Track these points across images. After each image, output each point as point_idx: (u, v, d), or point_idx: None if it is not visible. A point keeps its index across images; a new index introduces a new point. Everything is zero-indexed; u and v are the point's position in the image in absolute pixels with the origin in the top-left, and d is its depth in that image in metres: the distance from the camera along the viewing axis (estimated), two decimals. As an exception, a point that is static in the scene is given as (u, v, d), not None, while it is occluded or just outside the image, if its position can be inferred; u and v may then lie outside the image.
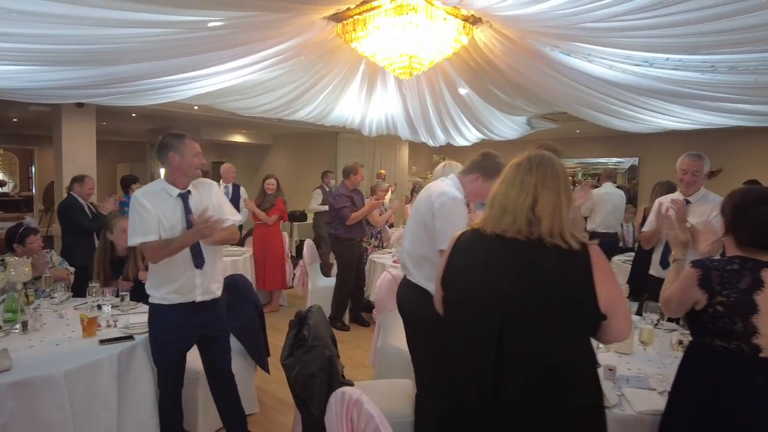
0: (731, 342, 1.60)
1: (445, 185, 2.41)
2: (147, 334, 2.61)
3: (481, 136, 7.17)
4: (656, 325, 2.77)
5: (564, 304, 1.35)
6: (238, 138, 10.78)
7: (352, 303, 5.28)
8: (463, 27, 3.62)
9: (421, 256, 2.41)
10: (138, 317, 2.88)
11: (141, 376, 2.53)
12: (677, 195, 3.33)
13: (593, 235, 5.86)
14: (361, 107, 5.75)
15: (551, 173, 1.45)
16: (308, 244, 5.43)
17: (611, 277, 1.39)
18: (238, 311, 3.15)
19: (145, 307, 3.09)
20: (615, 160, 9.94)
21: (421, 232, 2.41)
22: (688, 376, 1.72)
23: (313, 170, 10.05)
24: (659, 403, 1.84)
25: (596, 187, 6.38)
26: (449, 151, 9.92)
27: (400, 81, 4.82)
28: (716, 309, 1.61)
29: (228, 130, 10.34)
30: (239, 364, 3.17)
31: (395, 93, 5.31)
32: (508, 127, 6.88)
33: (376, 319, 3.51)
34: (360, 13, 3.54)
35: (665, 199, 3.32)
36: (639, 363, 2.28)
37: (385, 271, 3.55)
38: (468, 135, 7.00)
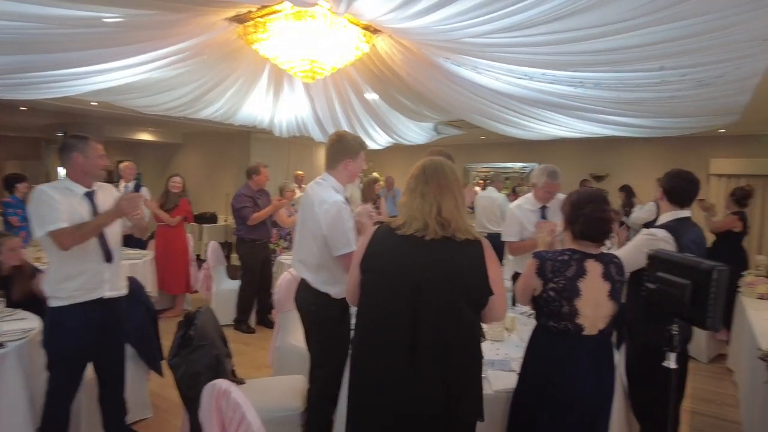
0: (560, 322, 1.85)
1: (322, 190, 2.43)
2: (21, 342, 2.48)
3: (392, 141, 7.38)
4: (530, 315, 3.05)
5: (469, 282, 1.63)
6: (146, 136, 10.27)
7: (259, 305, 5.25)
8: (364, 35, 3.77)
9: (317, 264, 2.43)
10: (11, 324, 2.71)
11: (12, 385, 2.39)
12: (531, 202, 3.52)
13: None
14: (269, 108, 5.74)
15: (445, 181, 1.69)
16: (212, 247, 5.32)
17: (496, 262, 1.71)
18: (130, 314, 3.07)
19: (24, 313, 2.94)
20: (519, 165, 10.61)
21: (311, 242, 2.42)
22: (531, 354, 1.96)
23: (226, 170, 9.81)
24: (515, 382, 2.06)
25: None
26: (364, 154, 10.07)
27: (307, 84, 4.89)
28: (549, 294, 1.85)
29: (134, 127, 9.83)
30: (131, 368, 3.08)
31: (303, 95, 5.36)
32: (416, 133, 7.15)
33: (276, 318, 3.54)
34: (261, 16, 3.57)
35: (520, 201, 3.61)
36: (507, 349, 2.52)
37: (285, 272, 3.60)
38: (378, 139, 7.19)
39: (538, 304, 1.94)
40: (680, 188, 2.50)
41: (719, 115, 5.24)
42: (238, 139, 9.44)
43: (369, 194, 5.57)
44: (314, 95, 5.31)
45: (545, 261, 1.89)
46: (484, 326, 2.72)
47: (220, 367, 2.35)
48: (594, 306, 1.83)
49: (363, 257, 1.75)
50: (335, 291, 2.41)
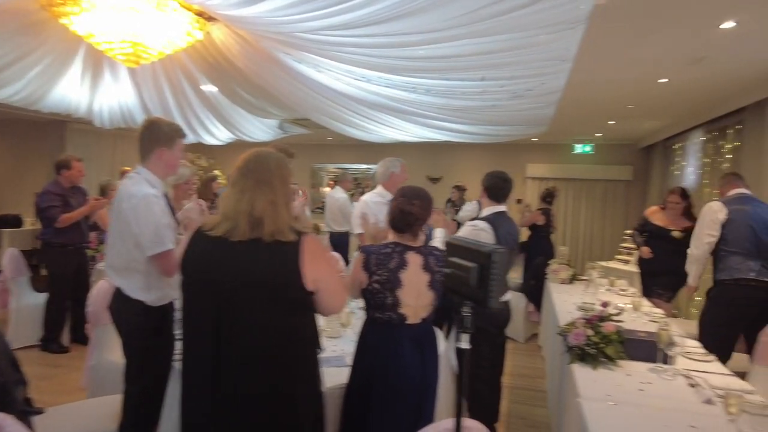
0: (385, 313, 1.93)
1: (133, 184, 2.18)
2: None
3: (233, 137, 7.05)
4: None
5: (279, 286, 1.52)
6: None
7: (72, 320, 4.56)
8: (197, 21, 3.50)
9: (128, 267, 2.17)
10: None
11: None
12: (382, 194, 3.57)
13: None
14: (86, 93, 5.04)
15: (267, 175, 1.57)
16: (10, 254, 4.48)
17: (319, 259, 1.59)
18: None
19: None
20: (364, 166, 10.94)
21: (120, 243, 2.17)
22: (360, 346, 2.01)
23: (35, 166, 8.41)
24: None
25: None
26: (203, 149, 9.51)
27: (133, 69, 4.40)
28: (374, 286, 1.92)
29: None
30: None
31: (128, 81, 4.82)
32: (260, 130, 6.92)
33: (90, 333, 3.11)
34: (70, -14, 3.11)
35: (370, 195, 3.72)
36: (344, 345, 2.54)
37: (101, 280, 3.17)
38: (218, 134, 6.81)
39: (365, 296, 2.00)
40: (497, 186, 2.81)
41: (531, 125, 5.99)
42: (51, 130, 8.15)
43: (206, 193, 5.22)
44: (141, 82, 4.80)
45: (370, 255, 1.95)
46: (322, 323, 2.71)
47: (7, 398, 1.96)
48: (415, 296, 1.93)
49: (182, 259, 1.63)
50: (151, 298, 2.18)
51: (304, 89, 4.34)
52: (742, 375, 2.46)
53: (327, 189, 8.19)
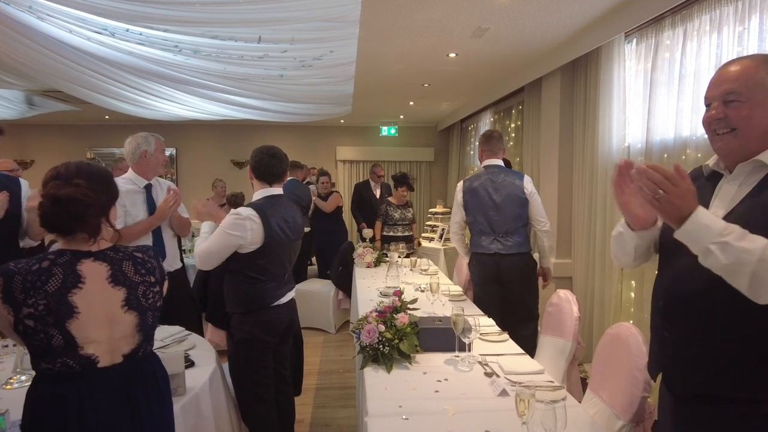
0: (56, 361, 1.24)
1: None
2: None
3: (-46, 113, 5.36)
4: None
5: None
6: None
7: None
8: None
9: None
10: None
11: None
12: (134, 179, 2.88)
13: None
14: None
15: None
16: None
17: None
18: None
19: None
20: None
21: None
22: (29, 416, 1.28)
23: None
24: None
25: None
26: None
27: None
28: (27, 324, 1.22)
29: None
30: None
31: None
32: (-5, 104, 5.36)
33: None
34: None
35: (119, 181, 2.98)
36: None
37: None
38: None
39: (26, 342, 1.26)
40: (263, 163, 2.32)
41: (334, 104, 5.68)
42: None
43: None
44: None
45: (12, 277, 1.22)
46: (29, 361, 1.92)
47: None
48: (107, 324, 1.29)
49: None
50: None
51: (29, 44, 3.26)
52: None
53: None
